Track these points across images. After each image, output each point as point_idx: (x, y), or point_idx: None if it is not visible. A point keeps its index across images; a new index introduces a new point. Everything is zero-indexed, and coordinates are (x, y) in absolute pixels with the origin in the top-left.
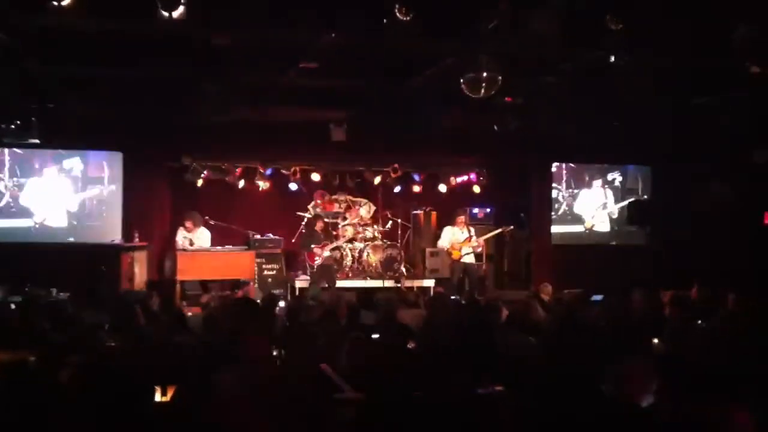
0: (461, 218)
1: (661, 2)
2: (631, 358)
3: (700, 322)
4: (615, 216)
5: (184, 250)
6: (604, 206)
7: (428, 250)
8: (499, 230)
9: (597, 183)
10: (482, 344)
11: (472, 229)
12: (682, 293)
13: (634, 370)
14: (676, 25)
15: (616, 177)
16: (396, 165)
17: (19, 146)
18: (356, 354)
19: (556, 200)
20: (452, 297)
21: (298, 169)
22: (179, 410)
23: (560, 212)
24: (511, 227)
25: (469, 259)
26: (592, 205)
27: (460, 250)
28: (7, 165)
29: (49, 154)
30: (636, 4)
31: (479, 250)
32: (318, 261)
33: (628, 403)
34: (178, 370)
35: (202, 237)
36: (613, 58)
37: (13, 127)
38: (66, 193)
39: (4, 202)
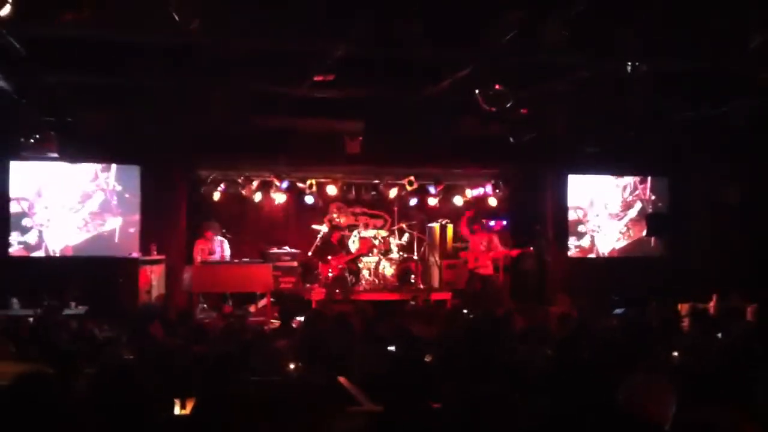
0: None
1: (673, 9)
2: (649, 373)
3: (720, 335)
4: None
5: (203, 262)
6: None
7: (444, 262)
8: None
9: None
10: (495, 356)
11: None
12: (701, 306)
13: (652, 386)
14: (689, 32)
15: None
16: (411, 177)
17: (37, 160)
18: (372, 366)
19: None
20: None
21: (314, 182)
22: (198, 423)
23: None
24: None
25: (486, 270)
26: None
27: (476, 260)
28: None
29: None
30: (647, 12)
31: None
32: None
33: (642, 421)
34: (196, 383)
35: (222, 246)
36: (629, 66)
37: (32, 141)
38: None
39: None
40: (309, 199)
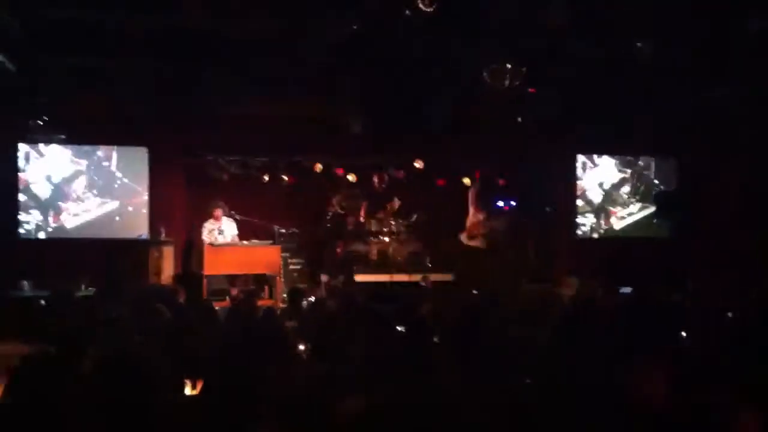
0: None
1: None
2: (646, 356)
3: (730, 314)
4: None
5: (212, 244)
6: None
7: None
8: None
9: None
10: (483, 337)
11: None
12: (708, 286)
13: (649, 368)
14: (694, 14)
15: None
16: (420, 160)
17: (45, 142)
18: (374, 346)
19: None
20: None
21: (320, 164)
22: (206, 404)
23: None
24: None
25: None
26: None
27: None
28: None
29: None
30: None
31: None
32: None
33: (638, 402)
34: (207, 364)
35: (230, 227)
36: (639, 45)
37: (39, 123)
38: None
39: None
40: (317, 181)
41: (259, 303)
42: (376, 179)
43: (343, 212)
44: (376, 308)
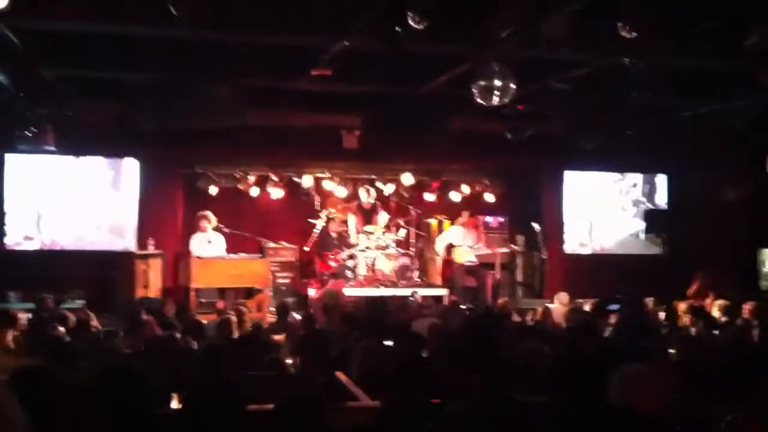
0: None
1: (674, 5)
2: (637, 365)
3: (716, 332)
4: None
5: (199, 257)
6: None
7: (441, 258)
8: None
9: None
10: (491, 352)
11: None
12: (698, 303)
13: (641, 377)
14: (689, 28)
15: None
16: (409, 173)
17: (34, 153)
18: (369, 361)
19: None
20: (463, 306)
21: (311, 177)
22: (188, 418)
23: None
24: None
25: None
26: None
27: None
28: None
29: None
30: (649, 8)
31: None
32: (333, 264)
33: (633, 411)
34: (193, 377)
35: (217, 238)
36: (627, 62)
37: (28, 134)
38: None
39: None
40: (306, 195)
41: (248, 317)
42: (366, 193)
43: (330, 225)
44: (368, 322)
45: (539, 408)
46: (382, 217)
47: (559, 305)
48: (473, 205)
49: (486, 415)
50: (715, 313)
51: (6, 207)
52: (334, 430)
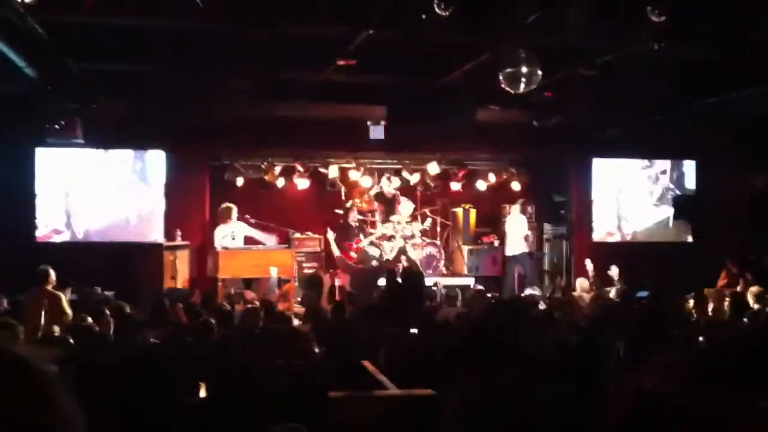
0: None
1: None
2: (665, 353)
3: (745, 320)
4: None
5: (225, 248)
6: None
7: (467, 248)
8: None
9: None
10: (512, 340)
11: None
12: (727, 291)
13: (667, 364)
14: (717, 15)
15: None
16: (436, 163)
17: (63, 146)
18: (395, 350)
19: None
20: (490, 294)
21: (336, 167)
22: (213, 407)
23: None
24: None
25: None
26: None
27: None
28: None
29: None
30: None
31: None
32: (354, 255)
33: (658, 399)
34: (221, 367)
35: (240, 229)
36: (655, 47)
37: (57, 127)
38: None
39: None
40: (331, 185)
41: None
42: (388, 182)
43: (350, 215)
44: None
45: (559, 398)
46: (404, 207)
47: (580, 292)
48: (499, 194)
49: (484, 408)
50: (750, 299)
51: (37, 201)
52: (362, 418)
